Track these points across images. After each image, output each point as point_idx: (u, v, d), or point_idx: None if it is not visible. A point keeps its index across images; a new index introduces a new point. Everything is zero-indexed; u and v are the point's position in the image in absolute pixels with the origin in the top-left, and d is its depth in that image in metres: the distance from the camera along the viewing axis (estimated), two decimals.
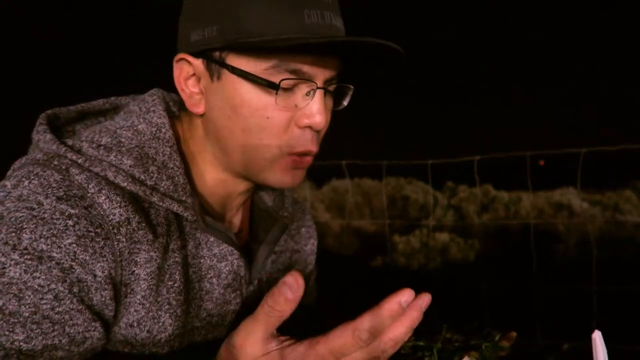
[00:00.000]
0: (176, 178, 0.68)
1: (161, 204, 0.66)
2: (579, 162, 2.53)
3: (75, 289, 0.58)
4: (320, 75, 0.66)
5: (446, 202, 6.63)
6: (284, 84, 0.64)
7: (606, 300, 2.47)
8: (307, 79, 0.66)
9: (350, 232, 6.01)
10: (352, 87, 0.72)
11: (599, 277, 2.43)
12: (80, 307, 0.58)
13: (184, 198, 0.67)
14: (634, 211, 6.20)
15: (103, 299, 0.60)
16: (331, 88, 0.70)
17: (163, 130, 0.69)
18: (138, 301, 0.63)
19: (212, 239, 0.71)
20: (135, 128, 0.68)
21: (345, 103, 0.73)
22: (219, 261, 0.71)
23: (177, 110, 0.77)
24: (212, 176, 0.73)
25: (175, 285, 0.67)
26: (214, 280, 0.71)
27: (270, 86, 0.64)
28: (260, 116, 0.65)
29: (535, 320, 2.47)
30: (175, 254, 0.67)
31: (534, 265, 2.61)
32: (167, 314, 0.66)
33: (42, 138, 0.66)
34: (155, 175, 0.66)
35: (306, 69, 0.65)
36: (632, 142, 2.48)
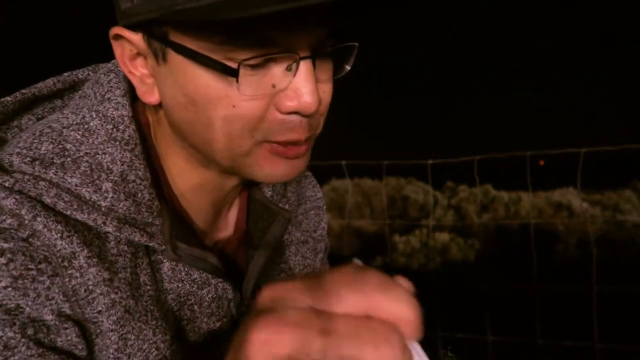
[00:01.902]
0: (139, 194, 0.53)
1: (118, 234, 0.51)
2: (579, 162, 2.53)
3: (30, 331, 0.45)
4: (302, 41, 0.48)
5: (446, 202, 6.63)
6: (247, 64, 0.47)
7: (606, 300, 2.47)
8: (282, 50, 0.48)
9: (350, 232, 6.01)
10: (355, 44, 0.54)
11: (599, 277, 2.43)
12: (41, 350, 0.45)
13: (149, 220, 0.53)
14: (634, 211, 6.20)
15: (69, 338, 0.47)
16: (324, 52, 0.52)
17: (121, 127, 0.54)
18: (112, 355, 0.50)
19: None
20: (86, 126, 0.53)
21: (348, 67, 0.55)
22: (199, 288, 0.58)
23: None
24: (189, 178, 0.58)
25: (159, 323, 0.54)
26: (195, 307, 0.58)
27: (227, 72, 0.47)
28: (224, 107, 0.49)
29: (535, 320, 2.47)
30: (148, 286, 0.54)
31: (534, 265, 2.61)
32: None
33: None
34: (111, 195, 0.51)
35: (278, 35, 0.47)
36: (632, 142, 2.49)
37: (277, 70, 0.49)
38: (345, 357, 0.26)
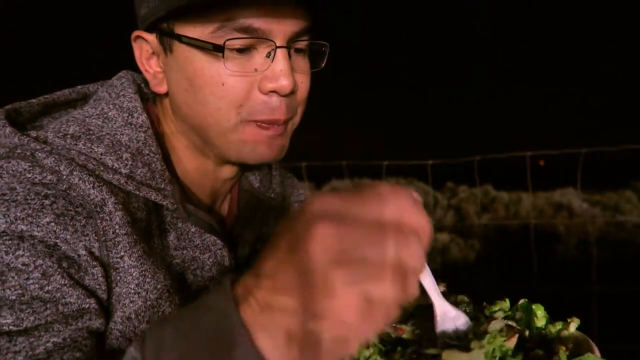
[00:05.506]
0: (153, 165, 0.63)
1: (137, 192, 0.61)
2: (579, 162, 2.53)
3: (65, 264, 0.53)
4: (279, 32, 0.60)
5: (446, 202, 6.63)
6: (230, 44, 0.59)
7: (606, 300, 2.47)
8: (262, 37, 0.59)
9: None
10: (326, 44, 0.66)
11: (599, 278, 2.43)
12: (72, 282, 0.53)
13: (162, 185, 0.63)
14: (634, 211, 6.20)
15: (95, 277, 0.55)
16: (300, 46, 0.63)
17: (135, 114, 0.65)
18: (133, 290, 0.58)
19: (193, 229, 0.66)
20: (105, 115, 0.64)
21: (322, 64, 0.67)
22: (201, 253, 0.66)
23: (150, 91, 0.71)
24: (190, 162, 0.69)
25: (167, 271, 0.62)
26: (198, 272, 0.66)
27: (216, 49, 0.59)
28: (215, 84, 0.60)
29: None
30: (156, 243, 0.63)
31: (534, 265, 2.61)
32: (167, 302, 0.60)
33: (1, 133, 0.61)
34: (130, 163, 0.61)
35: (259, 24, 0.59)
36: (632, 142, 2.48)
37: (258, 57, 0.61)
38: (387, 254, 0.33)
